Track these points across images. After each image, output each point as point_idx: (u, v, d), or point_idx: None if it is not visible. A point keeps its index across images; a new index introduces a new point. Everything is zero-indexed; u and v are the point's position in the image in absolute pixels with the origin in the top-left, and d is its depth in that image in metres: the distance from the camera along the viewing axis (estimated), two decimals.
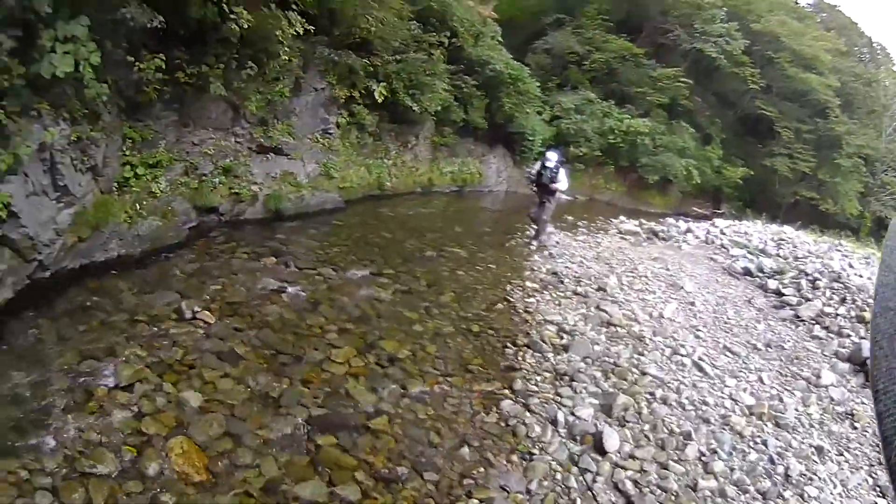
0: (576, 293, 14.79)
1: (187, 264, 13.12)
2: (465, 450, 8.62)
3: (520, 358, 11.26)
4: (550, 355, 11.35)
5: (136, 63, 12.96)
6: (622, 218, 27.29)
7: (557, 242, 20.21)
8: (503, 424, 9.32)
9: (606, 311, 13.30)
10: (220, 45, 14.99)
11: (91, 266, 12.06)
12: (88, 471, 7.13)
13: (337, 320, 11.62)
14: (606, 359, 11.27)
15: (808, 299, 16.48)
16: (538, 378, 10.57)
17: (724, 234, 24.85)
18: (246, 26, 14.28)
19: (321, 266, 14.11)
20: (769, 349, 13.46)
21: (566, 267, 16.97)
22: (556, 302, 14.15)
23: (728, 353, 12.65)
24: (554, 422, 9.31)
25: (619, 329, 12.58)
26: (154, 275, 12.41)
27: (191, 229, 14.73)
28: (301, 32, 16.53)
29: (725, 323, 14.56)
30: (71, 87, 11.21)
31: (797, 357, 13.25)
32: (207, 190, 15.44)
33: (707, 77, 43.77)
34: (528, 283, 15.21)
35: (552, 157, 18.27)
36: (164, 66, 13.34)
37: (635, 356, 11.52)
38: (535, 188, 18.95)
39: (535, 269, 16.73)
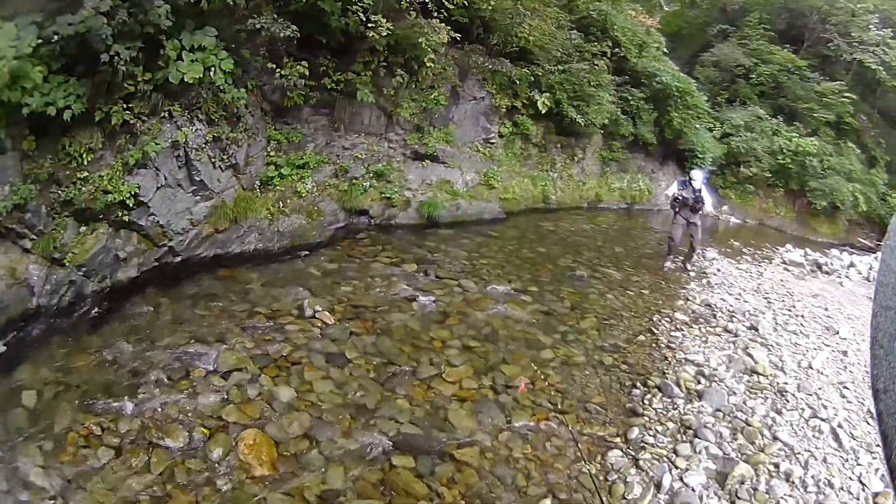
0: (726, 330, 13.93)
1: (325, 263, 13.47)
2: (548, 502, 8.06)
3: (646, 401, 10.60)
4: (680, 402, 10.66)
5: (278, 70, 13.71)
6: (788, 246, 25.65)
7: (719, 270, 19.16)
8: (602, 478, 8.70)
9: (753, 357, 12.42)
10: (368, 53, 15.42)
11: (226, 256, 12.96)
12: (156, 441, 7.76)
13: (463, 336, 11.46)
14: (739, 414, 10.43)
15: None
16: (659, 428, 9.86)
17: None
18: (385, 34, 14.49)
19: (463, 277, 13.98)
20: None
21: (722, 299, 16.02)
22: (703, 338, 13.36)
23: (870, 420, 11.37)
24: (658, 485, 8.56)
25: (761, 379, 11.71)
26: (288, 271, 12.89)
27: (337, 230, 15.28)
28: (446, 41, 16.44)
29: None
30: (207, 92, 12.50)
31: None
32: (358, 193, 15.95)
33: (870, 92, 40.18)
34: (678, 315, 14.46)
35: (698, 177, 17.31)
36: (306, 73, 13.95)
37: (771, 414, 10.61)
38: (677, 210, 17.65)
39: (690, 298, 15.93)
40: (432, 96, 18.00)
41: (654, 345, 12.80)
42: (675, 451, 9.28)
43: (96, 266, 11.35)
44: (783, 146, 33.61)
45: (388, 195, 16.73)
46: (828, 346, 14.14)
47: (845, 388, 12.23)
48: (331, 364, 9.83)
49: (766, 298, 16.78)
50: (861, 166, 36.18)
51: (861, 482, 9.44)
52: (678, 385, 11.15)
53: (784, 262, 22.68)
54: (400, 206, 16.90)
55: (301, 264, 13.42)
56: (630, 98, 26.75)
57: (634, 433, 9.59)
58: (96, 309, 11.05)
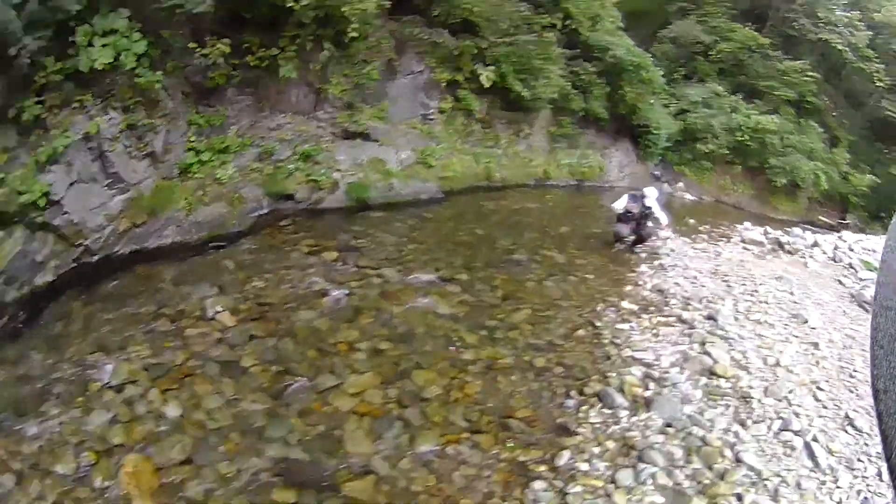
0: (681, 320, 11.98)
1: (243, 255, 12.29)
2: None
3: (581, 414, 8.84)
4: (624, 414, 8.88)
5: (199, 49, 12.74)
6: (747, 224, 23.63)
7: (672, 250, 17.28)
8: None
9: (711, 354, 10.40)
10: (296, 27, 14.14)
11: (144, 252, 11.92)
12: (49, 468, 7.07)
13: (374, 336, 9.96)
14: (695, 430, 8.59)
15: None
16: (595, 450, 8.13)
17: (852, 250, 20.91)
18: (306, 3, 13.33)
19: (385, 266, 12.58)
20: None
21: (676, 283, 14.12)
22: (654, 331, 11.42)
23: (849, 429, 9.52)
24: None
25: (721, 382, 9.77)
26: (203, 265, 11.75)
27: (260, 217, 14.15)
28: (374, 9, 15.16)
29: (851, 377, 11.25)
30: (121, 77, 11.71)
31: None
32: (283, 176, 14.81)
33: (835, 73, 39.61)
34: (625, 303, 12.59)
35: (652, 194, 15.86)
36: (227, 51, 13.17)
37: (734, 428, 8.76)
38: (623, 229, 15.95)
39: (640, 283, 14.07)
40: (365, 71, 16.65)
41: (595, 341, 10.90)
42: (614, 482, 7.55)
43: (15, 272, 10.28)
44: (742, 123, 32.76)
45: (315, 178, 15.17)
46: (796, 337, 12.19)
47: (819, 388, 10.33)
48: (224, 374, 8.68)
49: (725, 282, 14.85)
50: (822, 145, 35.52)
51: None
52: (622, 392, 9.29)
53: (743, 241, 20.71)
54: (328, 189, 15.39)
55: (217, 257, 12.17)
56: (581, 72, 25.27)
57: (564, 458, 7.86)
58: (17, 318, 9.96)
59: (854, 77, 39.03)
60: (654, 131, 29.08)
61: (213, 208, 13.04)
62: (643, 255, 16.26)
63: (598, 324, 11.37)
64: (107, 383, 8.27)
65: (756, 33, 36.96)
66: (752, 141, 32.70)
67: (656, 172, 31.60)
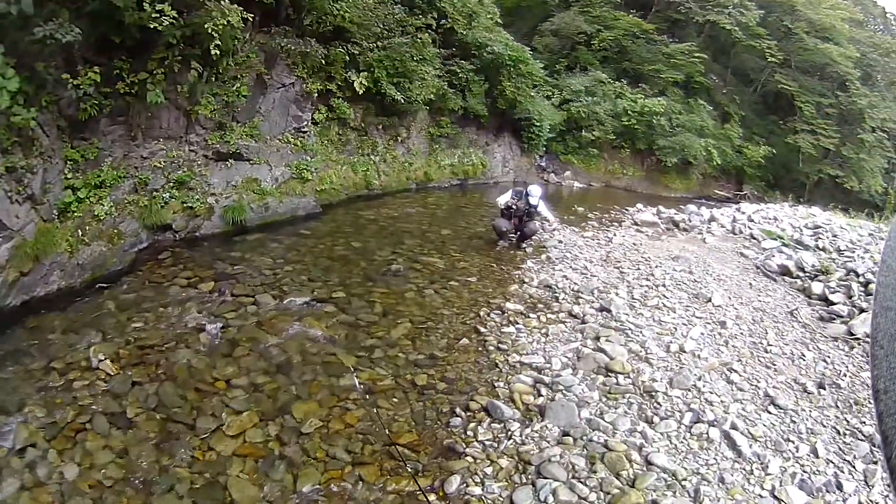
0: (571, 315, 11.02)
1: (123, 294, 11.20)
2: None
3: (470, 432, 7.69)
4: (515, 426, 7.75)
5: (70, 80, 11.79)
6: (639, 206, 23.41)
7: (560, 241, 16.40)
8: None
9: (606, 351, 9.36)
10: (164, 48, 13.24)
11: (33, 301, 10.77)
12: None
13: (252, 370, 8.92)
14: (596, 435, 7.50)
15: (862, 309, 12.17)
16: (488, 470, 7.01)
17: (752, 220, 20.76)
18: (168, 23, 12.20)
19: (261, 292, 11.48)
20: (822, 391, 9.24)
21: (564, 276, 13.16)
22: (543, 331, 10.35)
23: (771, 408, 8.62)
24: None
25: (620, 379, 8.76)
26: (88, 309, 10.61)
27: (140, 252, 13.10)
28: (238, 23, 13.85)
29: (766, 352, 10.40)
30: None
31: (857, 402, 9.05)
32: (158, 206, 13.80)
33: (723, 53, 41.01)
34: (510, 304, 11.49)
35: (536, 193, 15.27)
36: (98, 80, 12.08)
37: (639, 428, 7.72)
38: (503, 224, 15.54)
39: (526, 280, 13.01)
40: (234, 88, 15.60)
41: (480, 349, 9.78)
42: (512, 503, 6.47)
43: None
44: (628, 108, 33.03)
45: (190, 205, 14.16)
46: (699, 318, 11.37)
47: (731, 370, 9.47)
48: (113, 427, 7.67)
49: (617, 268, 14.06)
50: (714, 122, 36.24)
51: (776, 497, 6.84)
52: (512, 402, 8.18)
53: (636, 224, 20.07)
54: (203, 215, 14.40)
55: (99, 300, 10.91)
56: (459, 70, 24.99)
57: (455, 483, 6.75)
58: None
59: (743, 55, 40.62)
60: (537, 123, 28.84)
61: (94, 247, 11.97)
62: (529, 250, 15.38)
63: (483, 329, 10.29)
64: (11, 447, 7.31)
65: (640, 20, 37.76)
66: (640, 124, 32.89)
67: (542, 164, 31.78)
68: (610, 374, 8.81)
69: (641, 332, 10.21)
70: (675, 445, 7.44)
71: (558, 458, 6.97)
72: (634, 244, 16.57)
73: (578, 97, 32.91)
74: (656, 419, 7.86)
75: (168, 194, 13.91)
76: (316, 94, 18.33)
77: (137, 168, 13.74)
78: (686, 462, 7.16)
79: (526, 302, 11.61)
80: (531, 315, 10.93)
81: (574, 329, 10.34)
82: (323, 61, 18.24)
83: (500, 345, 9.68)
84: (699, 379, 8.91)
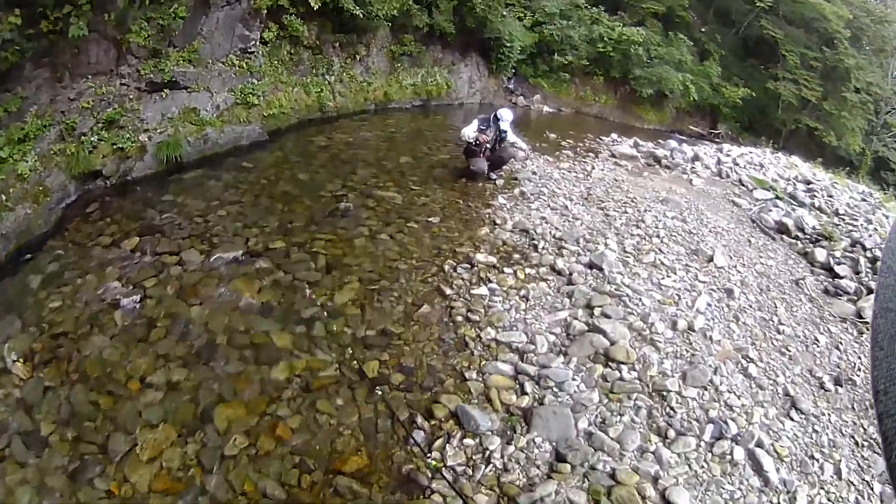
0: (555, 270, 9.06)
1: (48, 264, 9.16)
2: None
3: (435, 453, 5.79)
4: (495, 444, 5.89)
5: None
6: (614, 136, 21.25)
7: (534, 173, 14.19)
8: None
9: (604, 331, 7.33)
10: None
11: None
12: None
13: (169, 360, 7.03)
14: (599, 459, 5.76)
15: (870, 289, 10.46)
16: None
17: (737, 164, 18.79)
18: None
19: (187, 247, 9.41)
20: (839, 389, 7.80)
21: (542, 217, 11.08)
22: (522, 292, 8.35)
23: (794, 413, 7.09)
24: None
25: (624, 371, 6.88)
26: (12, 288, 8.74)
27: (67, 207, 10.98)
28: None
29: (778, 333, 8.72)
30: None
31: (871, 404, 7.02)
32: (86, 152, 11.73)
33: None
34: (481, 254, 9.38)
35: (507, 117, 12.93)
36: (19, 23, 10.41)
37: (652, 447, 6.01)
38: (477, 155, 13.08)
39: (498, 221, 10.87)
40: (171, 10, 13.31)
41: (446, 319, 7.69)
42: None
43: None
44: (604, 34, 31.49)
45: (120, 145, 12.07)
46: (703, 282, 9.49)
47: (747, 358, 7.69)
48: (30, 451, 6.20)
49: (601, 210, 12.04)
50: (692, 58, 35.03)
51: None
52: (488, 402, 6.32)
53: (614, 156, 17.87)
54: (135, 156, 12.29)
55: (23, 275, 8.96)
56: None
57: None
58: None
59: None
60: (507, 44, 27.03)
61: (18, 212, 10.09)
62: (500, 182, 13.19)
63: (448, 291, 8.19)
64: None
65: None
66: (616, 52, 31.46)
67: (510, 86, 30.01)
68: (611, 363, 6.91)
69: (641, 299, 8.26)
70: (696, 472, 5.76)
71: (552, 497, 5.06)
72: (616, 180, 14.58)
73: (552, 20, 30.69)
74: (671, 433, 6.11)
75: (96, 136, 11.90)
76: (265, 11, 16.00)
77: (65, 112, 11.82)
78: (709, 495, 5.52)
79: (499, 251, 9.60)
80: (506, 270, 8.90)
81: (559, 291, 8.39)
82: None
83: (469, 314, 7.64)
84: (715, 371, 7.13)
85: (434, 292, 8.14)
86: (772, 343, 8.36)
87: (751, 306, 9.16)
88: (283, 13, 16.54)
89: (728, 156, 19.69)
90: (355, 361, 6.80)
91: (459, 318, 7.52)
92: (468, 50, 26.75)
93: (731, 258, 10.65)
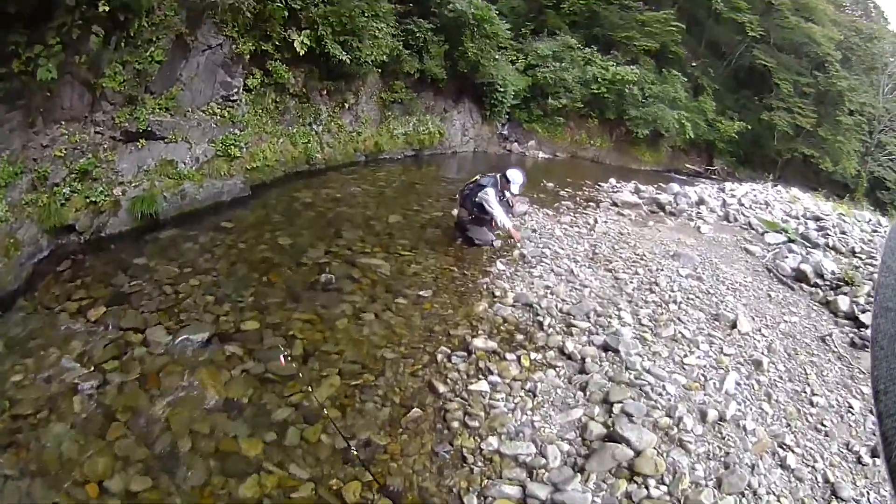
0: (564, 353, 7.76)
1: (14, 327, 8.06)
2: None
3: None
4: None
5: None
6: (613, 182, 20.41)
7: (534, 230, 13.00)
8: None
9: (628, 441, 6.05)
10: (65, 13, 10.36)
11: None
12: None
13: (128, 463, 5.87)
14: None
15: None
16: None
17: (742, 205, 17.89)
18: None
19: (154, 322, 8.13)
20: (876, 461, 6.76)
21: (547, 286, 9.82)
22: (527, 386, 7.05)
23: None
24: None
25: (651, 486, 5.66)
26: None
27: (39, 263, 9.96)
28: None
29: (812, 405, 7.63)
30: None
31: None
32: (59, 204, 10.76)
33: (697, 25, 38.81)
34: (479, 339, 7.99)
35: (518, 180, 11.43)
36: None
37: None
38: (484, 224, 11.73)
39: (497, 293, 9.57)
40: (147, 53, 12.25)
41: (440, 426, 6.43)
42: None
43: None
44: (598, 75, 30.95)
45: (93, 199, 11.09)
46: (729, 354, 8.33)
47: (785, 447, 6.65)
48: None
49: (610, 272, 10.82)
50: (686, 94, 34.72)
51: None
52: None
53: (616, 205, 16.79)
54: (108, 210, 11.22)
55: None
56: (416, 29, 21.81)
57: None
58: None
59: (718, 28, 39.51)
60: (500, 89, 26.28)
61: None
62: (497, 244, 11.86)
63: (442, 388, 6.92)
64: None
65: None
66: (610, 93, 30.88)
67: (504, 132, 29.45)
68: (636, 477, 5.66)
69: (665, 386, 7.02)
70: None
71: None
72: (621, 234, 13.41)
73: (545, 62, 30.18)
74: None
75: (69, 188, 10.90)
76: (248, 56, 15.04)
77: (37, 160, 10.83)
78: None
79: (500, 332, 8.32)
80: (508, 356, 7.60)
81: (571, 382, 7.14)
82: (258, 18, 14.97)
83: (467, 418, 6.38)
84: (752, 470, 6.01)
85: (425, 389, 6.90)
86: (806, 419, 7.27)
87: (780, 378, 8.01)
88: (268, 59, 15.63)
89: (733, 196, 18.81)
90: (334, 479, 5.60)
91: (455, 424, 6.27)
92: (461, 96, 25.92)
93: (753, 320, 9.50)
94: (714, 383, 7.34)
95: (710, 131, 35.64)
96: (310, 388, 6.68)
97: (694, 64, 37.93)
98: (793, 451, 6.53)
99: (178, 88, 13.46)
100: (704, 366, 7.75)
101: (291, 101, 17.01)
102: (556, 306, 9.03)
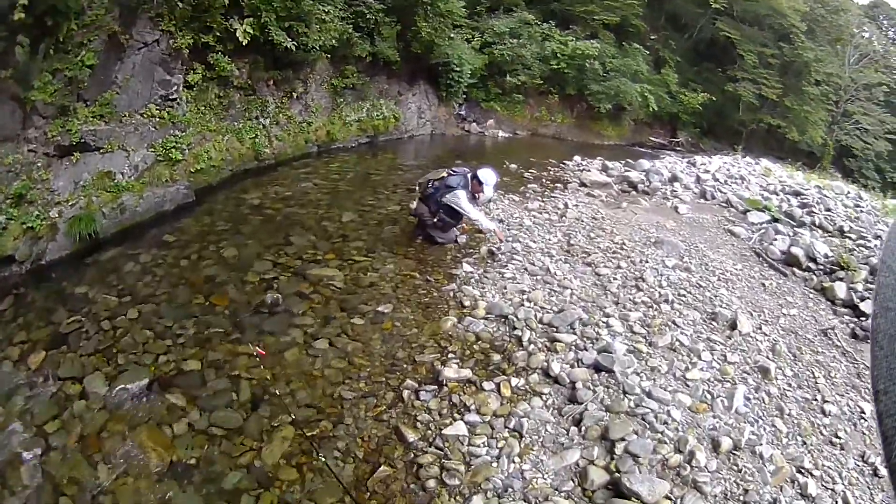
0: (549, 377, 6.69)
1: None
2: None
3: None
4: None
5: None
6: (578, 160, 19.56)
7: (501, 221, 11.84)
8: None
9: (637, 495, 5.01)
10: None
11: None
12: None
13: None
14: None
15: None
16: None
17: (717, 180, 17.06)
18: None
19: (91, 370, 7.04)
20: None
21: (521, 292, 8.69)
22: (511, 424, 5.96)
23: None
24: None
25: None
26: None
27: None
28: None
29: (825, 416, 6.91)
30: None
31: None
32: None
33: None
34: (449, 368, 6.79)
35: (491, 181, 10.18)
36: None
37: None
38: (453, 227, 10.74)
39: (467, 304, 8.41)
40: (78, 58, 11.08)
41: (412, 486, 5.28)
42: None
43: None
44: (557, 51, 30.24)
45: (30, 224, 9.92)
46: (733, 362, 7.38)
47: (804, 472, 5.92)
48: None
49: (590, 266, 9.83)
50: (648, 67, 34.23)
51: None
52: None
53: (584, 185, 15.80)
54: (46, 236, 10.08)
55: None
56: (366, 11, 20.67)
57: None
58: None
59: (678, 1, 39.12)
60: (457, 69, 25.44)
61: None
62: (462, 239, 10.74)
63: (411, 436, 5.75)
64: None
65: None
66: (570, 68, 30.29)
67: (462, 112, 28.49)
68: None
69: (670, 413, 6.04)
70: None
71: None
72: (595, 218, 12.36)
73: (502, 39, 29.24)
74: None
75: (5, 216, 9.76)
76: (188, 51, 13.81)
77: None
78: None
79: (473, 354, 7.18)
80: (486, 385, 6.47)
81: (562, 414, 6.09)
82: (197, 9, 13.85)
83: (444, 474, 5.27)
84: None
85: (392, 438, 5.74)
86: (820, 433, 6.52)
87: (790, 385, 7.18)
88: (209, 52, 14.46)
89: (706, 171, 17.91)
90: None
91: (432, 484, 5.15)
92: (415, 78, 24.93)
93: (752, 316, 8.61)
94: (722, 402, 6.41)
95: (674, 104, 35.17)
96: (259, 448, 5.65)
97: (654, 37, 37.34)
98: (812, 476, 5.79)
99: (112, 93, 12.29)
100: (709, 379, 6.80)
101: (236, 95, 15.86)
102: (536, 316, 7.94)
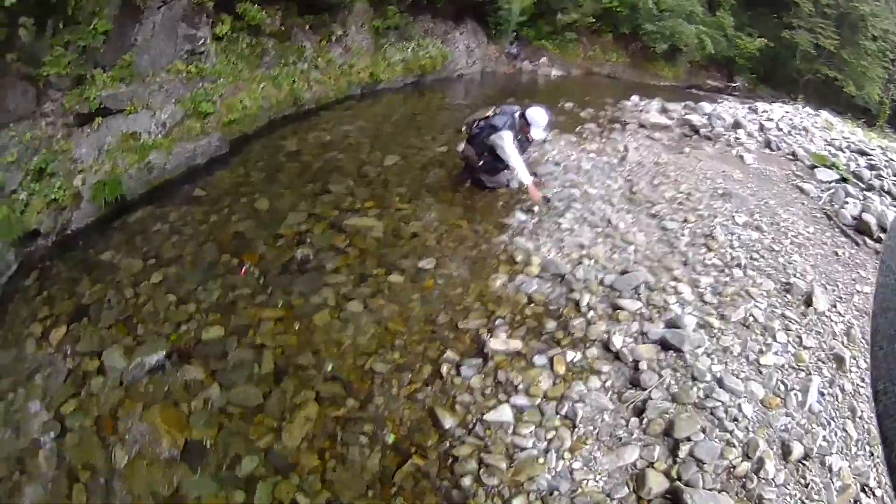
0: (609, 352, 5.97)
1: None
2: None
3: None
4: None
5: None
6: (636, 99, 17.91)
7: (557, 164, 10.91)
8: None
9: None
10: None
11: None
12: None
13: None
14: None
15: None
16: None
17: (780, 130, 15.74)
18: None
19: (110, 343, 6.71)
20: None
21: (580, 245, 7.94)
22: (564, 408, 5.29)
23: None
24: None
25: None
26: None
27: (9, 281, 8.57)
28: None
29: None
30: None
31: None
32: (19, 211, 9.59)
33: None
34: (496, 339, 6.11)
35: (542, 121, 9.27)
36: None
37: None
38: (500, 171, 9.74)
39: (518, 259, 7.68)
40: (90, 27, 10.85)
41: (445, 484, 4.68)
42: None
43: None
44: None
45: (52, 196, 9.74)
46: (808, 348, 6.45)
47: (869, 492, 5.08)
48: None
49: (655, 218, 9.00)
50: (703, 9, 32.59)
51: None
52: None
53: (644, 127, 14.54)
54: (71, 205, 9.88)
55: None
56: None
57: None
58: None
59: None
60: (505, 6, 24.47)
61: None
62: (514, 183, 9.71)
63: (449, 421, 5.10)
64: None
65: None
66: (623, 6, 29.03)
67: (512, 51, 27.25)
68: None
69: (741, 407, 5.30)
70: None
71: None
72: (657, 163, 11.38)
73: None
74: None
75: (27, 191, 9.68)
76: (212, 3, 13.25)
77: None
78: None
79: (524, 320, 6.46)
80: (537, 360, 5.76)
81: (622, 400, 5.38)
82: None
83: (482, 471, 4.64)
84: None
85: (427, 422, 5.12)
86: None
87: (862, 380, 6.26)
88: (237, 1, 13.84)
89: (770, 120, 16.59)
90: None
91: (467, 482, 4.54)
92: (462, 16, 24.06)
93: (826, 290, 7.67)
94: (796, 395, 5.63)
95: (730, 48, 33.80)
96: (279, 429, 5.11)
97: None
98: (874, 495, 4.97)
99: (133, 54, 11.93)
100: (783, 366, 6.00)
101: (269, 42, 15.27)
102: (596, 277, 7.17)
